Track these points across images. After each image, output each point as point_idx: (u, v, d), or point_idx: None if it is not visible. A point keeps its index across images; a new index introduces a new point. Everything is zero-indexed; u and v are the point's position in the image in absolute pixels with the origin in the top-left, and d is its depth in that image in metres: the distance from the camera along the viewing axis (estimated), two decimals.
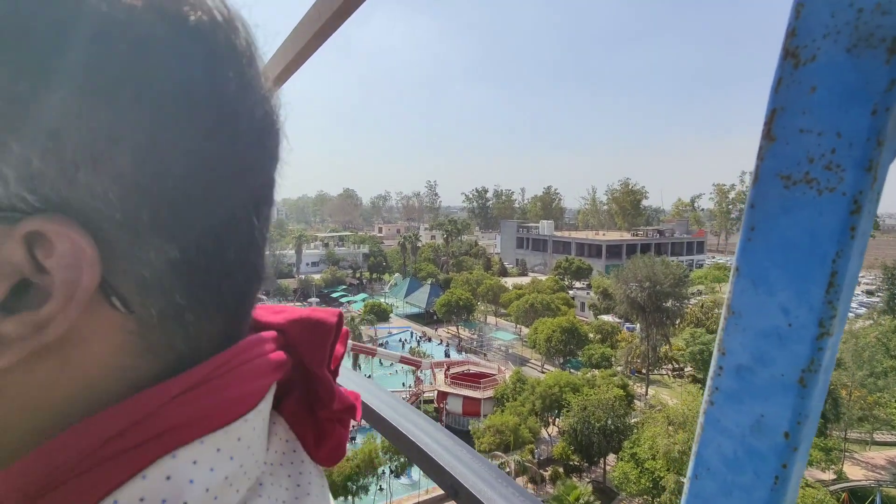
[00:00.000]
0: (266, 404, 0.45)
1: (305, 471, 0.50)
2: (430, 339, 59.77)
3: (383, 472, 27.41)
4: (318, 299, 74.20)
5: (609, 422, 28.87)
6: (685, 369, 46.18)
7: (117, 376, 0.38)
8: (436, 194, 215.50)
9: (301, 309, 0.54)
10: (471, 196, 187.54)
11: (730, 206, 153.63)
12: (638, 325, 55.94)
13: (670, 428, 25.96)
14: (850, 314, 66.94)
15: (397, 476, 29.68)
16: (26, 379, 0.35)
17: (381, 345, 51.86)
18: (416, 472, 29.90)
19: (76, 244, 0.33)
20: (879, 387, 30.66)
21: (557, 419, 34.40)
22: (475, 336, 59.94)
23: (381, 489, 27.45)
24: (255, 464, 0.44)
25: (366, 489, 26.26)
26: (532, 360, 51.85)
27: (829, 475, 28.57)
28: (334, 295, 76.09)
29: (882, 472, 31.40)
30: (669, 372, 46.40)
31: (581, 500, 25.08)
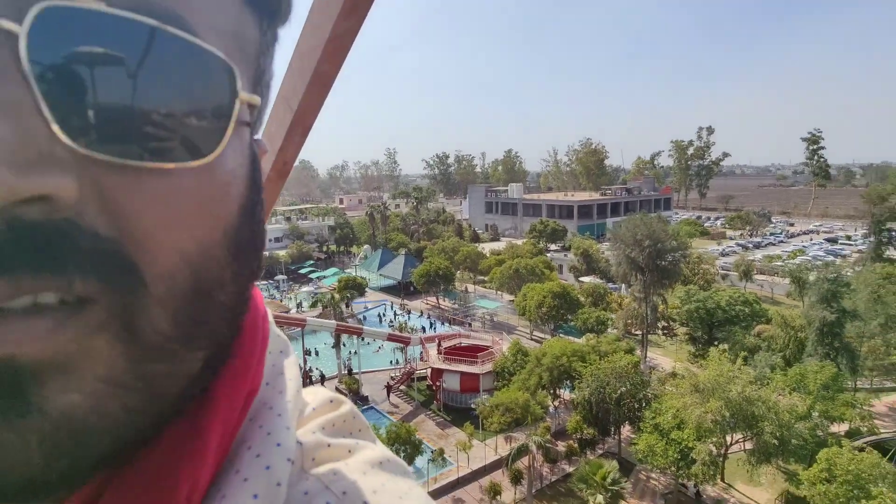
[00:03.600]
0: None
1: None
2: (409, 312, 57.00)
3: None
4: (285, 277, 69.92)
5: (626, 391, 27.06)
6: (676, 329, 45.25)
7: None
8: (395, 162, 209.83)
9: None
10: (432, 162, 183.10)
11: (688, 162, 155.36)
12: (624, 285, 54.75)
13: (696, 396, 24.27)
14: (818, 261, 68.11)
15: None
16: None
17: (358, 321, 48.76)
18: (420, 460, 27.54)
19: None
20: (891, 341, 29.94)
21: (565, 392, 32.53)
22: (457, 306, 57.52)
23: None
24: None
25: None
26: (519, 328, 50.03)
27: (841, 427, 27.88)
28: (303, 271, 71.88)
29: (885, 420, 31.12)
30: (660, 332, 45.35)
31: (608, 479, 23.23)
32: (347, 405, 0.54)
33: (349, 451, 0.48)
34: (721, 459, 24.42)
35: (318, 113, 1.26)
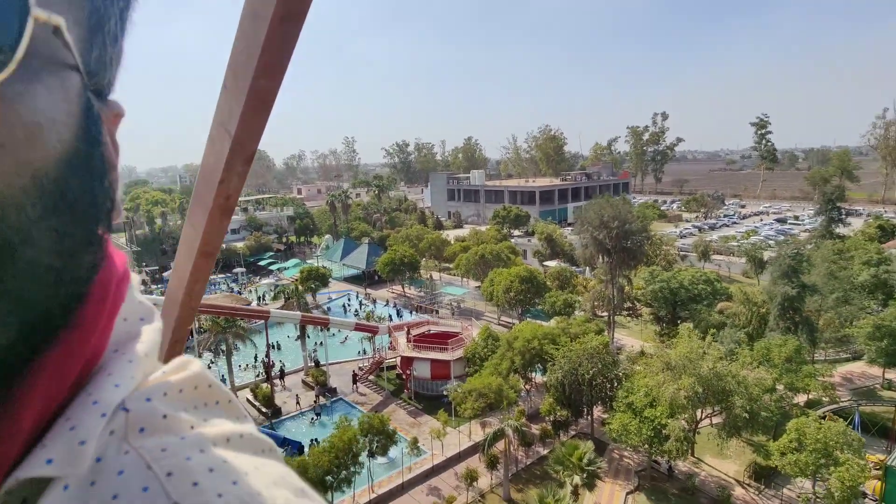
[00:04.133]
0: None
1: None
2: (374, 301, 56.01)
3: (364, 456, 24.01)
4: (244, 269, 67.62)
5: (597, 371, 27.11)
6: (639, 310, 45.99)
7: None
8: (354, 151, 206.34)
9: None
10: (391, 151, 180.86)
11: (644, 148, 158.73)
12: (588, 268, 55.29)
13: (668, 373, 24.49)
14: (770, 241, 70.77)
15: (372, 455, 26.63)
16: None
17: (323, 312, 47.52)
18: (394, 450, 26.91)
19: None
20: (844, 314, 31.05)
21: (537, 375, 32.46)
22: (424, 294, 56.86)
23: (358, 473, 24.14)
24: None
25: (348, 481, 22.79)
26: (486, 314, 49.85)
27: (801, 399, 28.83)
28: (262, 263, 69.60)
29: (840, 389, 32.42)
30: (625, 313, 45.98)
31: (585, 459, 23.22)
32: (196, 367, 0.48)
33: (191, 427, 0.42)
34: (692, 435, 24.77)
35: (261, 136, 1.12)
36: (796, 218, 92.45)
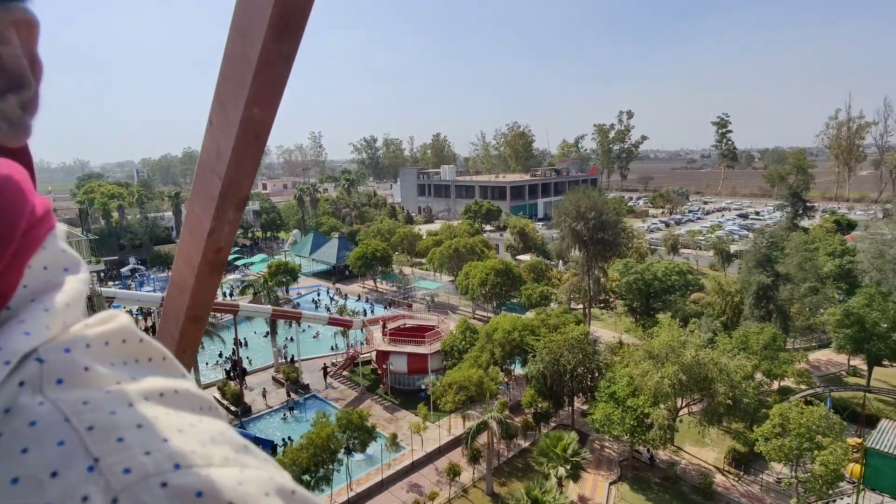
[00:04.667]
0: None
1: None
2: (346, 296, 54.69)
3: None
4: None
5: (579, 362, 26.85)
6: (611, 301, 46.21)
7: None
8: (320, 146, 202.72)
9: None
10: (359, 146, 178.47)
11: (610, 145, 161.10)
12: (561, 262, 55.37)
13: (650, 362, 24.36)
14: (734, 235, 72.58)
15: (349, 452, 25.73)
16: None
17: (294, 307, 46.04)
18: (373, 447, 26.01)
19: None
20: (813, 304, 31.70)
21: (516, 368, 32.05)
22: (396, 288, 55.87)
23: (337, 471, 23.17)
24: None
25: (327, 480, 21.79)
26: (461, 307, 49.28)
27: (773, 386, 29.29)
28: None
29: (811, 375, 33.16)
30: (598, 305, 46.12)
31: (569, 451, 22.85)
32: (124, 319, 0.44)
33: (117, 383, 0.38)
34: (674, 423, 24.74)
35: (255, 175, 0.99)
36: (757, 213, 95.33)
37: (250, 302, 41.06)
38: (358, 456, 26.13)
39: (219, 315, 34.55)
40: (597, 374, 27.55)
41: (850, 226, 65.79)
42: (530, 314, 35.14)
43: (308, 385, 34.25)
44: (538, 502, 19.47)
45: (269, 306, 34.74)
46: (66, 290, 0.43)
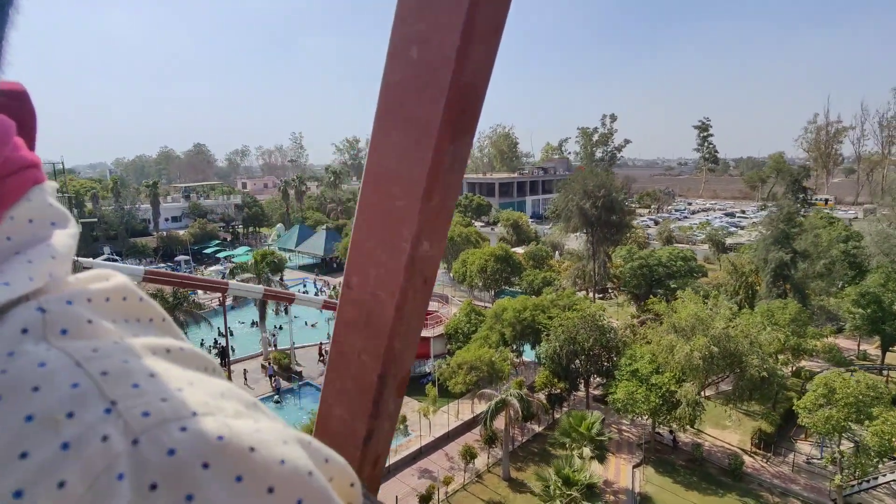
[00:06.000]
0: None
1: None
2: (334, 288, 52.50)
3: None
4: (188, 257, 62.22)
5: (596, 340, 25.36)
6: (611, 289, 45.06)
7: None
8: (301, 147, 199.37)
9: None
10: (341, 147, 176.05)
11: (593, 149, 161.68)
12: (556, 252, 54.12)
13: (675, 336, 22.99)
14: (728, 228, 72.75)
15: None
16: None
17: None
18: None
19: None
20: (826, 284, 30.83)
21: (523, 352, 30.43)
22: None
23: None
24: None
25: None
26: (456, 298, 47.56)
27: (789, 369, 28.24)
28: (207, 251, 64.36)
29: (820, 360, 32.28)
30: (597, 293, 44.93)
31: (594, 429, 21.28)
32: (121, 278, 0.43)
33: (116, 340, 0.37)
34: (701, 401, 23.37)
35: (453, 211, 0.77)
36: (743, 212, 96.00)
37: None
38: None
39: (205, 299, 32.15)
40: (614, 355, 26.09)
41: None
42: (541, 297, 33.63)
43: (301, 372, 32.14)
44: (569, 481, 17.80)
45: (260, 286, 32.30)
46: (53, 243, 0.42)
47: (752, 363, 21.22)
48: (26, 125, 0.45)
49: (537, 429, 26.29)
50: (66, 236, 0.44)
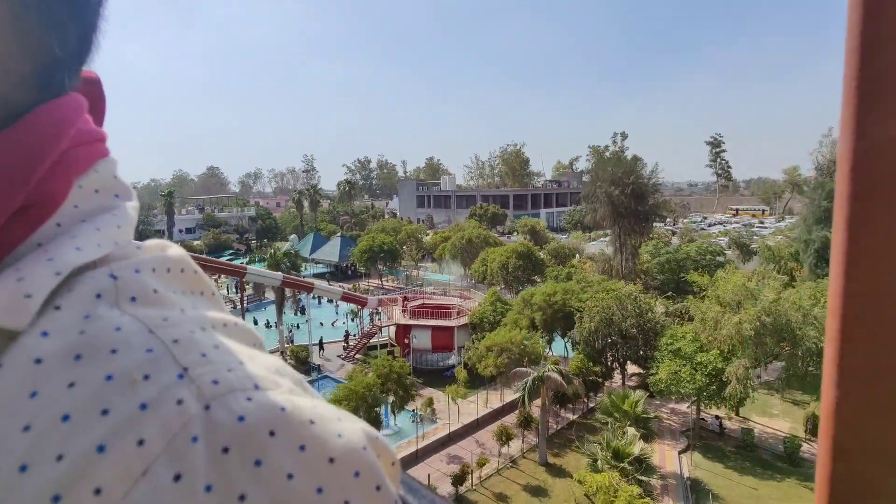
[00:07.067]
0: None
1: None
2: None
3: None
4: (201, 267, 61.51)
5: (634, 322, 24.04)
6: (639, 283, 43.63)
7: None
8: (313, 168, 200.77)
9: None
10: (353, 167, 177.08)
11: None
12: (576, 255, 52.87)
13: (720, 309, 21.65)
14: (755, 233, 71.11)
15: (392, 411, 22.80)
16: None
17: (297, 300, 42.78)
18: (402, 420, 22.79)
19: None
20: None
21: (555, 336, 29.06)
22: (405, 285, 52.80)
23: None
24: None
25: None
26: (475, 300, 46.31)
27: None
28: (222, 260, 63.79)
29: None
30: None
31: (638, 408, 19.85)
32: (178, 250, 0.45)
33: (181, 310, 0.38)
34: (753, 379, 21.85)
35: None
36: (762, 222, 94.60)
37: (249, 295, 37.80)
38: (386, 430, 22.87)
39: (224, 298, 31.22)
40: (652, 338, 24.69)
41: None
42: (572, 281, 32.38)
43: (320, 366, 30.96)
44: (619, 454, 16.35)
45: (278, 273, 31.55)
46: (118, 213, 0.43)
47: (809, 335, 19.79)
48: (97, 107, 0.48)
49: (571, 417, 24.78)
50: (129, 208, 0.45)
